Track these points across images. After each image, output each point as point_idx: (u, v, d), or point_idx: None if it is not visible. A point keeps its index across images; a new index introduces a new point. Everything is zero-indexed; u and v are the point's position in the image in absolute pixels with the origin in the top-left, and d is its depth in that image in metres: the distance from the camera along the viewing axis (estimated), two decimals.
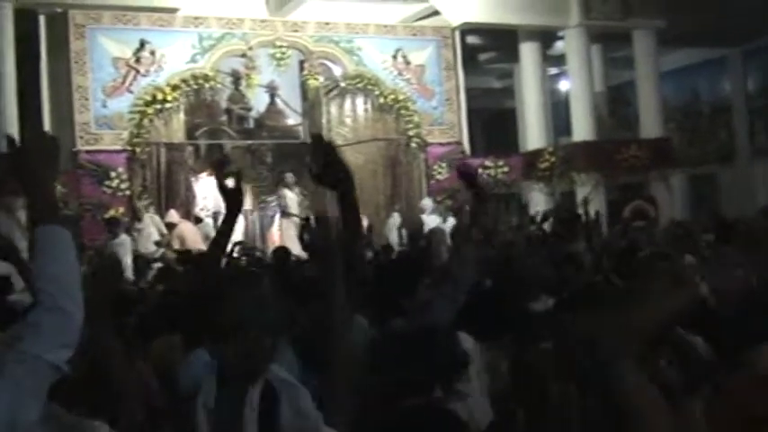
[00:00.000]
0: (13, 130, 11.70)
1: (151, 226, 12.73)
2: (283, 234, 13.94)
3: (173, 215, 13.00)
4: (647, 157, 15.63)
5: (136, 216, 12.84)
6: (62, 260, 2.02)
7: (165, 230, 12.64)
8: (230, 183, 3.13)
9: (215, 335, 2.33)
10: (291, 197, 14.28)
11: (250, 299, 2.39)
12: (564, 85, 18.70)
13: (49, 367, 1.93)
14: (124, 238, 11.93)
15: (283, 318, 2.66)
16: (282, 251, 7.98)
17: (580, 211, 9.39)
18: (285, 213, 14.03)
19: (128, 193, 13.32)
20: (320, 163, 2.21)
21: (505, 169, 15.82)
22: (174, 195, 13.73)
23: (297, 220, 14.04)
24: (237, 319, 2.29)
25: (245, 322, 2.29)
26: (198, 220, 13.64)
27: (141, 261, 10.45)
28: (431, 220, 13.09)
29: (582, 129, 15.82)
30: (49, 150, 2.14)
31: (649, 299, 2.12)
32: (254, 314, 2.32)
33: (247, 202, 14.99)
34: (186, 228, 12.90)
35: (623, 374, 1.62)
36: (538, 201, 15.72)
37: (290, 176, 14.42)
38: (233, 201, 2.98)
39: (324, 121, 15.26)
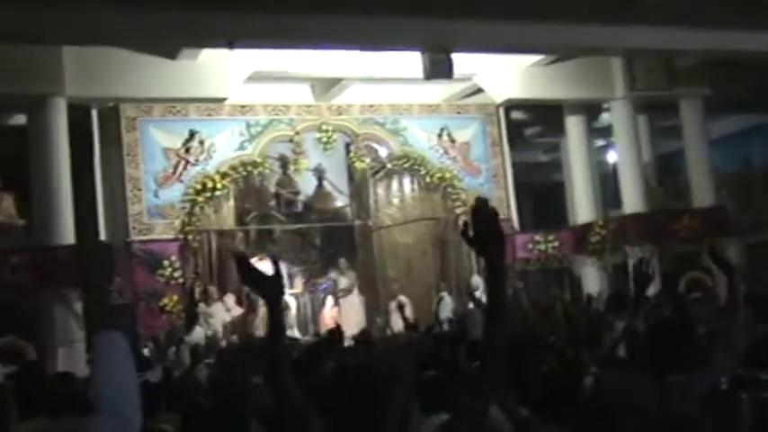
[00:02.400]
0: (68, 221, 12.01)
1: (223, 311, 12.97)
2: (342, 316, 13.98)
3: (230, 302, 13.21)
4: (700, 227, 15.37)
5: (206, 301, 13.03)
6: (121, 366, 2.07)
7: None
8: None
9: None
10: (344, 282, 14.41)
11: None
12: (611, 157, 18.57)
13: None
14: (198, 330, 12.18)
15: None
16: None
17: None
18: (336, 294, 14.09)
19: (181, 280, 13.47)
20: (478, 227, 2.24)
21: (556, 244, 15.73)
22: (225, 281, 13.78)
23: (357, 302, 13.99)
24: None
25: None
26: (250, 308, 13.67)
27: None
28: (481, 296, 12.87)
29: (632, 200, 15.67)
30: (104, 260, 2.25)
31: None
32: None
33: (298, 285, 15.24)
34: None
35: None
36: (590, 275, 15.55)
37: (342, 262, 14.59)
38: (269, 290, 2.66)
39: (371, 201, 15.47)
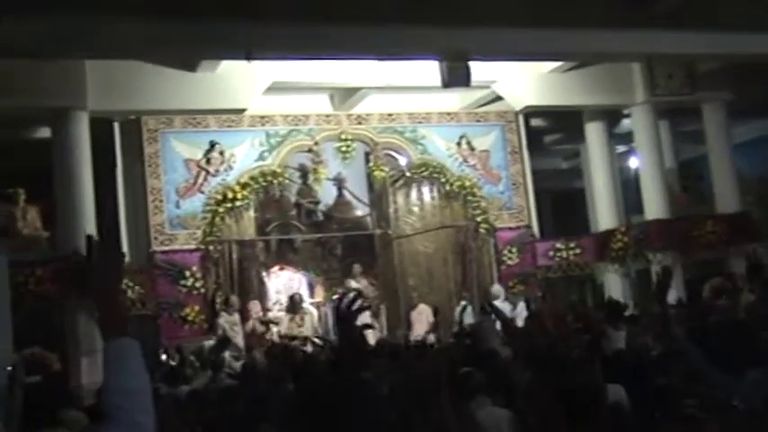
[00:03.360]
0: (91, 233, 12.18)
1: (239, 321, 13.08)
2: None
3: (253, 310, 13.35)
4: (725, 233, 15.30)
5: (227, 310, 13.12)
6: (136, 373, 2.09)
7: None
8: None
9: None
10: (356, 287, 14.17)
11: None
12: (633, 163, 18.56)
13: None
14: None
15: None
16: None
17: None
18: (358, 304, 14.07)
19: (203, 290, 13.60)
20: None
21: (577, 251, 15.71)
22: (246, 291, 13.93)
23: (367, 313, 14.10)
24: None
25: None
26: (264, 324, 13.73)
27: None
28: (502, 307, 12.86)
29: (654, 206, 15.61)
30: (113, 266, 2.21)
31: None
32: None
33: (319, 294, 15.28)
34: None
35: None
36: (613, 282, 15.52)
37: (357, 267, 14.63)
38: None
39: (391, 210, 15.48)
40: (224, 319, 13.01)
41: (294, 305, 13.52)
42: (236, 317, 13.08)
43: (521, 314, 11.82)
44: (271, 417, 4.91)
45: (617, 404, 3.78)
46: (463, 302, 14.21)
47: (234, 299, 13.29)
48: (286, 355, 9.48)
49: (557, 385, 4.19)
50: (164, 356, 11.61)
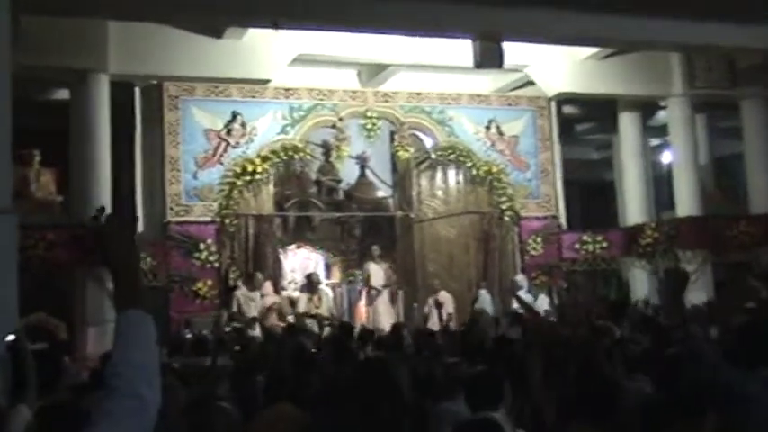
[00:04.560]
0: (106, 199, 12.13)
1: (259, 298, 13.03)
2: (373, 309, 14.04)
3: (268, 288, 13.26)
4: (758, 234, 15.06)
5: (249, 285, 13.08)
6: (144, 347, 2.05)
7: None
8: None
9: None
10: (375, 270, 14.37)
11: None
12: (666, 157, 18.35)
13: None
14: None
15: None
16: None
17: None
18: (369, 288, 14.16)
19: (216, 265, 13.54)
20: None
21: (604, 244, 15.58)
22: (261, 267, 13.83)
23: (385, 296, 14.05)
24: None
25: None
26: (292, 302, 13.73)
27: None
28: (524, 296, 12.70)
29: (686, 203, 15.41)
30: (126, 236, 2.17)
31: None
32: None
33: (336, 275, 15.35)
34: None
35: None
36: (639, 279, 15.33)
37: (375, 249, 14.57)
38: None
39: (414, 193, 15.42)
40: (241, 292, 12.96)
41: (312, 285, 13.45)
42: (257, 294, 13.02)
43: (541, 306, 11.66)
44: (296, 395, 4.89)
45: (639, 399, 3.86)
46: (480, 290, 14.15)
47: (260, 276, 13.24)
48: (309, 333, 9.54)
49: (573, 378, 4.18)
50: (187, 333, 11.54)
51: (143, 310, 2.08)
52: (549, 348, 5.12)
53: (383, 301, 14.25)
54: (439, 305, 12.98)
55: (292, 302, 13.62)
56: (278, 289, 13.85)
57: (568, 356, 5.08)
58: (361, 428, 2.78)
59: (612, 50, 14.42)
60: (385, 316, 13.79)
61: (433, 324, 12.73)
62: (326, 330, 11.15)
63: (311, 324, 11.88)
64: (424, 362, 6.13)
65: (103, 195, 12.06)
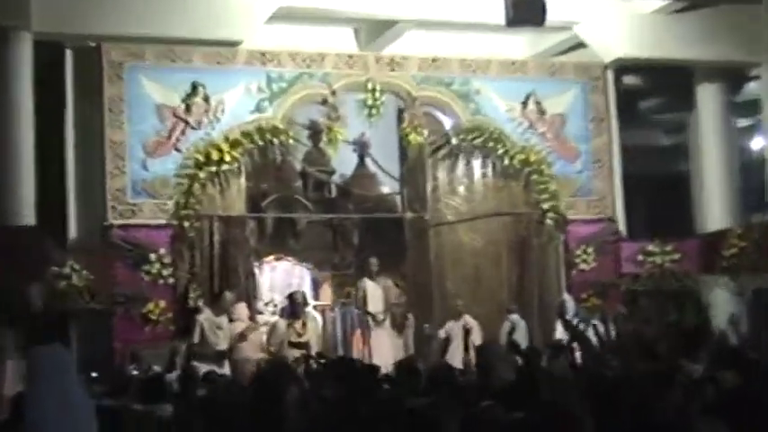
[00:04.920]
0: (28, 195, 12.16)
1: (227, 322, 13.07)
2: (370, 342, 14.09)
3: (240, 311, 13.32)
4: None
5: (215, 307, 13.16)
6: (56, 386, 2.18)
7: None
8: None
9: None
10: (373, 290, 14.36)
11: None
12: (757, 143, 18.36)
13: None
14: None
15: None
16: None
17: None
18: (365, 312, 14.23)
19: (171, 281, 13.56)
20: None
21: (676, 256, 15.60)
22: (231, 285, 13.83)
23: (388, 324, 14.15)
24: None
25: None
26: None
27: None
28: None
29: None
30: (36, 259, 2.31)
31: None
32: None
33: (326, 295, 15.35)
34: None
35: None
36: (721, 301, 15.28)
37: (373, 262, 14.52)
38: None
39: (428, 188, 15.33)
40: (205, 317, 12.99)
41: (294, 307, 13.40)
42: (225, 320, 13.08)
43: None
44: None
45: None
46: (512, 317, 14.14)
47: (229, 296, 13.30)
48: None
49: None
50: (133, 368, 11.67)
51: (53, 345, 2.22)
52: (602, 391, 5.17)
53: (383, 331, 14.30)
54: (467, 332, 12.97)
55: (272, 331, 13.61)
56: (253, 313, 13.87)
57: (628, 402, 5.10)
58: None
59: (686, 2, 14.38)
60: (386, 350, 13.80)
61: (453, 358, 12.75)
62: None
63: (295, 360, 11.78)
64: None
65: (24, 188, 12.06)
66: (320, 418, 6.34)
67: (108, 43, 13.56)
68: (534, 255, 15.28)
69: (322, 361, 10.91)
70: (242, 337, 12.96)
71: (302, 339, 12.89)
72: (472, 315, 14.27)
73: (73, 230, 13.12)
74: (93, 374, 10.35)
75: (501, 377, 7.37)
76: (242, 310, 13.40)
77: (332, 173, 15.64)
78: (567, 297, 14.35)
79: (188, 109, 13.92)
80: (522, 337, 13.28)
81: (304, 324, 13.23)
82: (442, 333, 14.08)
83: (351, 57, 14.87)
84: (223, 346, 12.84)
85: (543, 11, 11.57)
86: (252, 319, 13.65)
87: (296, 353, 12.19)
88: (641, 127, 19.05)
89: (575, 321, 12.59)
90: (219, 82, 14.08)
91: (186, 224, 13.67)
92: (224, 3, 13.03)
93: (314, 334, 13.32)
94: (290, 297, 13.70)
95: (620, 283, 15.36)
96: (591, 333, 12.04)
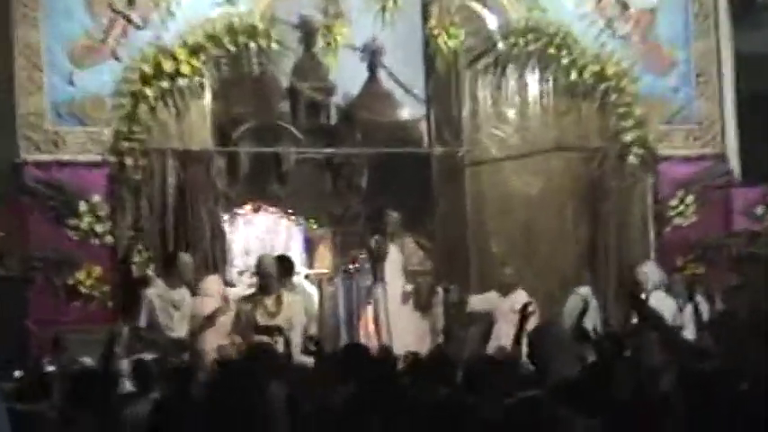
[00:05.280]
0: None
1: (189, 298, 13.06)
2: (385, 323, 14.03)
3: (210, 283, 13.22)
4: None
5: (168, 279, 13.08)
6: None
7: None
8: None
9: None
10: (393, 254, 14.20)
11: None
12: None
13: None
14: None
15: None
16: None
17: None
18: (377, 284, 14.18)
19: (109, 239, 13.54)
20: None
21: None
22: (191, 246, 13.85)
23: (409, 300, 14.20)
24: None
25: None
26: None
27: None
28: (656, 301, 12.59)
29: None
30: None
31: None
32: None
33: (324, 259, 15.68)
34: None
35: None
36: None
37: (392, 216, 14.34)
38: None
39: (465, 113, 15.34)
40: (155, 291, 12.80)
41: (263, 279, 12.96)
42: (184, 294, 12.91)
43: (689, 319, 11.86)
44: None
45: None
46: (581, 291, 13.90)
47: (187, 260, 13.13)
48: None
49: None
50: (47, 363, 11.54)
51: None
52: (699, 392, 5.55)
53: (402, 309, 14.17)
54: (521, 311, 12.70)
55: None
56: (224, 284, 13.74)
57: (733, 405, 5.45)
58: None
59: None
60: (406, 335, 13.63)
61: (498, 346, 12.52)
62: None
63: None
64: None
65: None
66: (315, 424, 6.69)
67: None
68: (612, 205, 15.37)
69: (313, 348, 10.72)
70: (210, 320, 12.71)
71: (276, 321, 12.40)
72: (526, 289, 14.00)
73: None
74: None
75: (560, 372, 7.36)
76: (212, 283, 13.24)
77: (331, 90, 15.66)
78: (651, 265, 14.35)
79: (131, 3, 13.81)
80: (594, 319, 13.10)
81: (279, 299, 12.77)
82: (481, 310, 14.09)
83: None
84: (181, 331, 12.63)
85: None
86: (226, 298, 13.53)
87: (266, 340, 11.75)
88: (762, 27, 18.50)
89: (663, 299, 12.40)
90: None
91: (129, 161, 13.68)
92: None
93: (298, 313, 12.84)
94: (257, 264, 13.37)
95: (730, 244, 15.28)
96: (689, 312, 12.04)
